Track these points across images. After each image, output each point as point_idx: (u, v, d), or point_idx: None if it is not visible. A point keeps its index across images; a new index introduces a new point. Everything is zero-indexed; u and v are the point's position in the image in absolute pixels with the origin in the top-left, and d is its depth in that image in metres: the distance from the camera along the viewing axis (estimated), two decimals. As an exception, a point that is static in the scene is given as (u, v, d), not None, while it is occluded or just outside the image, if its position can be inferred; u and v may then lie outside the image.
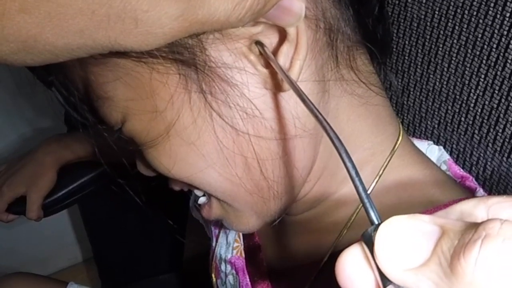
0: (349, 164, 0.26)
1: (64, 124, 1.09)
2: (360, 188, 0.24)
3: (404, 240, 0.20)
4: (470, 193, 0.50)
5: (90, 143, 0.84)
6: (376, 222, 0.23)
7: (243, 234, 0.60)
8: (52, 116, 1.29)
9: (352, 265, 0.22)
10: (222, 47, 0.38)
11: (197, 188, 0.47)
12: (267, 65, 0.39)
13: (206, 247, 0.68)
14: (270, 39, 0.39)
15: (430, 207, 0.46)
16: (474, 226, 0.19)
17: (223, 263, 0.62)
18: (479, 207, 0.22)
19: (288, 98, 0.41)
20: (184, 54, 0.38)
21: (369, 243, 0.22)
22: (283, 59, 0.38)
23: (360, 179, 0.25)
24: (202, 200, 0.50)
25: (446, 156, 0.56)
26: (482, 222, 0.19)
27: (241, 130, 0.41)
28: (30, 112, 1.43)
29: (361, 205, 0.46)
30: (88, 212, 1.15)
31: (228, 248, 0.61)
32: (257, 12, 0.32)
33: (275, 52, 0.39)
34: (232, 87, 0.39)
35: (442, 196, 0.47)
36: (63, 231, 1.68)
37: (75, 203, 0.99)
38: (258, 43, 0.38)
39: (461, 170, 0.54)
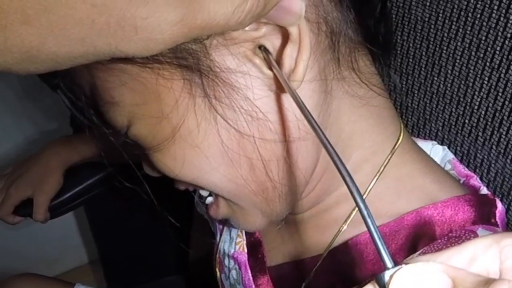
0: (361, 205, 0.26)
1: (70, 126, 1.09)
2: (372, 229, 0.25)
3: None
4: (472, 192, 0.50)
5: (96, 145, 0.85)
6: (390, 266, 0.23)
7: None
8: (59, 118, 1.30)
9: None
10: (226, 52, 0.39)
11: (203, 188, 0.47)
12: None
13: (212, 249, 0.69)
14: (273, 42, 0.39)
15: (429, 203, 0.47)
16: (483, 285, 0.20)
17: (226, 258, 0.62)
18: (492, 248, 0.23)
19: (292, 101, 0.41)
20: (188, 59, 0.38)
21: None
22: (287, 60, 0.39)
23: (373, 221, 0.25)
24: (209, 199, 0.51)
25: (450, 156, 0.57)
26: (490, 283, 0.20)
27: (245, 132, 0.41)
28: (37, 114, 1.43)
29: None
30: (94, 214, 1.15)
31: (231, 243, 0.62)
32: (257, 15, 0.32)
33: (279, 54, 0.39)
34: (236, 91, 0.40)
35: (441, 192, 0.48)
36: (68, 233, 1.68)
37: (82, 205, 0.99)
38: (261, 47, 0.38)
39: (466, 169, 0.54)
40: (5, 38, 0.26)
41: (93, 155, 0.92)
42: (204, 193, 0.50)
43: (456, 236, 0.44)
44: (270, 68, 0.40)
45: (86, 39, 0.27)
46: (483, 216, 0.46)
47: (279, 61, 0.39)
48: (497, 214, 0.47)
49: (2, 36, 0.26)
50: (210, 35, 0.36)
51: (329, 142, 0.28)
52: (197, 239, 1.00)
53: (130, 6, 0.27)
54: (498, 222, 0.46)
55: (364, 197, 0.48)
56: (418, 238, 0.45)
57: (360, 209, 0.26)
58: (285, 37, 0.38)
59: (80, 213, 1.26)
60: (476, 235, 0.44)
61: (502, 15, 0.51)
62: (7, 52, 0.27)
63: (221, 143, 0.42)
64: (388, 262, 0.23)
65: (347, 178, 0.27)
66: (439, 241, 0.44)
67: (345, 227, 0.49)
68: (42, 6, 0.25)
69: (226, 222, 0.65)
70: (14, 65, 0.28)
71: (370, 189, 0.48)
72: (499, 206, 0.47)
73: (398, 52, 0.64)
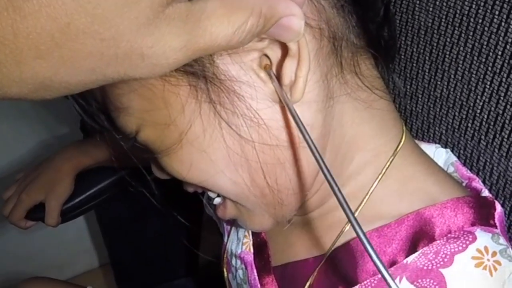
0: (376, 260, 0.27)
1: (80, 131, 1.11)
2: (387, 276, 0.26)
3: None
4: (472, 193, 0.51)
5: (107, 149, 0.86)
6: None
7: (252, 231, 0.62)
8: (71, 123, 1.31)
9: None
10: (230, 60, 0.40)
11: (211, 190, 0.48)
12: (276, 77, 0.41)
13: (221, 251, 0.70)
14: (276, 52, 0.40)
15: (429, 204, 0.47)
16: None
17: (233, 258, 0.64)
18: None
19: (295, 109, 0.42)
20: (194, 66, 0.39)
21: None
22: (287, 73, 0.40)
23: (386, 269, 0.26)
24: (217, 200, 0.52)
25: (453, 158, 0.57)
26: None
27: (247, 138, 0.43)
28: (50, 118, 1.45)
29: (364, 201, 0.48)
30: (105, 218, 1.16)
31: (239, 243, 0.63)
32: (257, 34, 0.33)
33: (280, 65, 0.40)
34: (239, 98, 0.41)
35: (441, 194, 0.49)
36: (79, 236, 1.69)
37: (93, 209, 1.00)
38: (266, 66, 0.40)
39: (468, 171, 0.55)
40: (20, 71, 0.27)
41: (105, 159, 0.93)
42: (212, 194, 0.52)
43: (455, 237, 0.45)
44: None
45: (96, 69, 0.29)
46: (482, 218, 0.47)
47: (279, 73, 0.40)
48: (496, 216, 0.47)
49: (17, 70, 0.27)
50: None
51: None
52: (207, 241, 1.01)
53: (137, 38, 0.28)
54: (497, 224, 0.47)
55: (366, 198, 0.49)
56: (418, 239, 0.46)
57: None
58: (285, 50, 0.40)
59: (91, 217, 1.27)
60: (474, 236, 0.44)
61: (504, 20, 0.52)
62: (23, 84, 0.28)
63: (225, 148, 0.43)
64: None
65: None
66: (438, 241, 0.45)
67: (347, 227, 0.50)
68: (54, 42, 0.27)
69: (233, 223, 0.66)
70: (29, 94, 0.29)
71: (372, 191, 0.49)
72: (498, 208, 0.48)
73: (402, 56, 0.65)
